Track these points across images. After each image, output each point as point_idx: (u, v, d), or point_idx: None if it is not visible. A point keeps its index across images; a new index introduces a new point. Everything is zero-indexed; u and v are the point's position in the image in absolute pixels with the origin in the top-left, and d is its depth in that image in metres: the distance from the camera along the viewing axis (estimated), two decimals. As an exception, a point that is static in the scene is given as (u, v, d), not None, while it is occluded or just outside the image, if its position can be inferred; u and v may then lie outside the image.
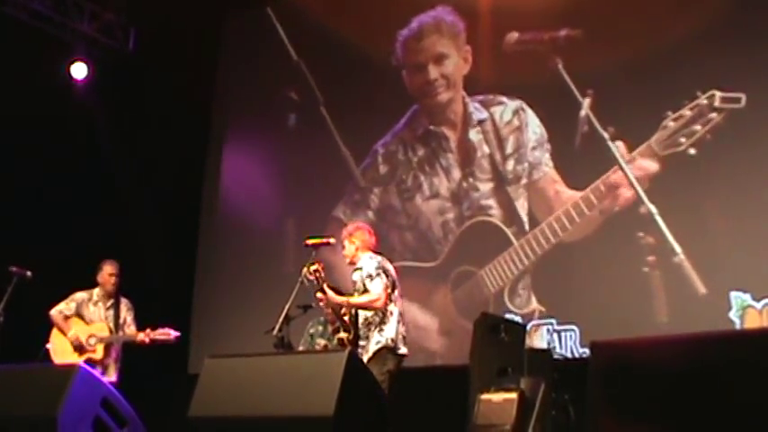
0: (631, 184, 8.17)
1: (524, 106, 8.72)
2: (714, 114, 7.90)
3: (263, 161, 11.60)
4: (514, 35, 8.80)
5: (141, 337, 8.38)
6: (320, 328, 8.55)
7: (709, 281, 8.13)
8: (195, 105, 11.83)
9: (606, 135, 8.37)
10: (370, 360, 6.97)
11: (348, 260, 7.42)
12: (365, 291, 7.13)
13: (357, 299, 7.15)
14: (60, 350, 8.45)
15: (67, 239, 10.69)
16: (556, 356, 8.27)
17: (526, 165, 8.45)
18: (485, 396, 7.00)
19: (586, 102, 8.42)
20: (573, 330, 8.69)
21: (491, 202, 8.59)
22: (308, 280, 7.39)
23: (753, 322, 7.78)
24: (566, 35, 8.57)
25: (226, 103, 12.07)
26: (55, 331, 8.57)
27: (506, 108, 8.77)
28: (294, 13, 11.04)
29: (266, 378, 4.85)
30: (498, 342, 7.50)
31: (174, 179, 11.43)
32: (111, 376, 8.49)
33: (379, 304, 7.04)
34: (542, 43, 8.64)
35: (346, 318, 7.24)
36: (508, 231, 8.46)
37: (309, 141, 10.47)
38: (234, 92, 12.04)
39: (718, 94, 7.93)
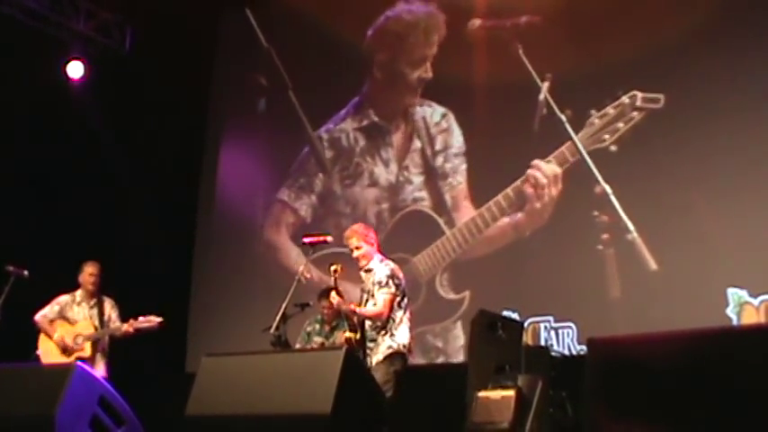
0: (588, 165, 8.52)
1: (449, 113, 9.07)
2: (635, 113, 8.23)
3: (260, 159, 11.60)
4: (477, 21, 8.99)
5: (125, 327, 8.41)
6: (317, 326, 8.56)
7: (705, 278, 8.14)
8: (191, 104, 11.83)
9: (564, 117, 8.61)
10: (379, 363, 6.98)
11: (365, 262, 7.29)
12: (372, 296, 7.13)
13: (363, 309, 7.14)
14: (49, 353, 8.47)
15: (64, 237, 10.68)
16: (553, 354, 8.28)
17: (450, 166, 8.84)
18: (482, 393, 7.00)
19: (545, 85, 8.64)
20: (570, 328, 8.70)
21: (423, 194, 8.93)
22: (305, 278, 7.40)
23: (750, 318, 7.79)
24: (526, 21, 8.80)
25: (222, 102, 12.08)
26: (42, 336, 8.59)
27: (435, 111, 9.13)
28: (272, 14, 11.17)
29: (263, 376, 4.84)
30: (495, 339, 7.50)
31: (170, 177, 11.42)
32: (101, 373, 8.50)
33: (383, 318, 7.03)
34: (504, 29, 8.85)
35: (354, 319, 7.22)
36: (440, 221, 8.79)
37: (280, 126, 10.61)
38: (230, 90, 12.05)
39: (639, 94, 8.27)
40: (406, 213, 8.78)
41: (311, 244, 7.51)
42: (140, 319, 8.40)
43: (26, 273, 8.07)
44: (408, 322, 7.16)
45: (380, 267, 7.18)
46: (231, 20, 12.25)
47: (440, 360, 8.97)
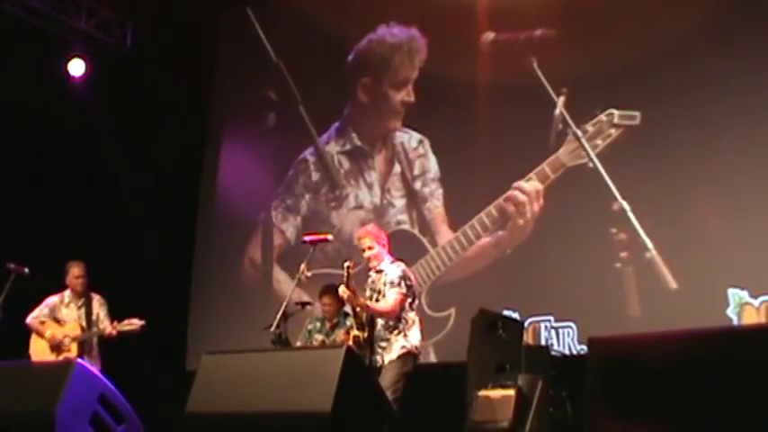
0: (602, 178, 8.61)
1: (425, 139, 9.26)
2: (612, 130, 8.41)
3: (260, 158, 11.60)
4: (491, 35, 9.06)
5: (108, 330, 8.47)
6: (318, 324, 8.55)
7: (706, 278, 8.14)
8: (192, 102, 11.83)
9: (580, 133, 8.68)
10: (392, 362, 6.97)
11: (376, 263, 7.25)
12: (383, 296, 7.09)
13: (374, 305, 7.09)
14: (41, 353, 8.51)
15: (65, 236, 10.67)
16: (553, 353, 8.29)
17: (428, 190, 9.11)
18: (483, 393, 7.01)
19: (561, 100, 8.73)
20: (570, 327, 8.70)
21: (405, 216, 9.21)
22: (306, 277, 7.39)
23: (750, 319, 7.79)
24: (541, 34, 8.86)
25: (223, 101, 12.08)
26: (34, 337, 8.64)
27: (412, 137, 9.33)
28: (273, 12, 11.19)
29: (264, 374, 4.84)
30: (496, 339, 7.51)
31: (170, 176, 11.42)
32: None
33: (391, 316, 7.00)
34: (518, 43, 8.93)
35: (363, 317, 7.19)
36: (424, 240, 9.04)
37: (289, 140, 10.66)
38: (231, 88, 12.04)
39: (616, 112, 8.42)
40: (390, 233, 8.51)
41: (312, 243, 7.49)
42: (124, 321, 8.45)
43: (27, 270, 8.08)
44: (419, 324, 7.14)
45: (392, 268, 7.15)
46: (232, 18, 12.25)
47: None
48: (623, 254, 8.61)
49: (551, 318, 8.83)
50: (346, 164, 9.55)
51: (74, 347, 8.48)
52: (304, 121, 10.26)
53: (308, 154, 10.01)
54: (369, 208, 9.34)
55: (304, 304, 8.31)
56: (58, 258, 10.04)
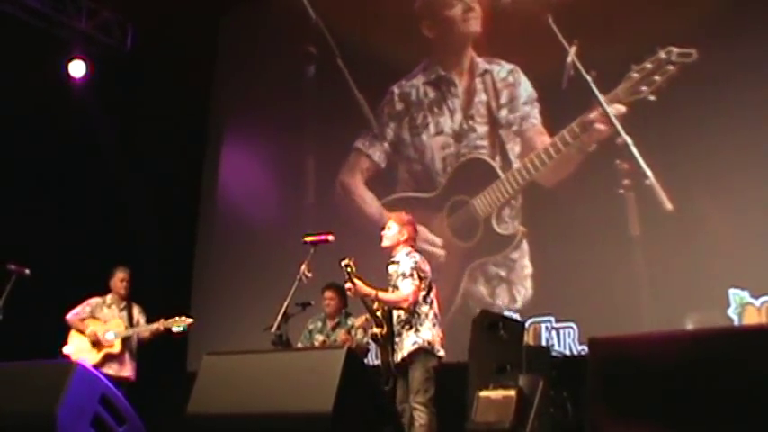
0: (610, 122, 8.84)
1: (518, 69, 9.57)
2: (671, 67, 8.55)
3: (261, 158, 11.61)
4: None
5: (155, 325, 8.58)
6: (319, 324, 8.55)
7: (707, 278, 8.14)
8: (192, 102, 11.84)
9: (589, 78, 8.97)
10: (405, 359, 6.90)
11: (388, 244, 7.21)
12: (396, 288, 7.02)
13: (385, 295, 7.02)
14: (79, 349, 8.58)
15: (65, 237, 10.68)
16: (554, 354, 8.29)
17: (517, 115, 9.40)
18: (483, 393, 7.02)
19: (573, 49, 9.05)
20: (571, 328, 8.71)
21: (485, 142, 9.53)
22: (306, 277, 7.37)
23: (751, 319, 7.79)
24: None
25: (224, 100, 12.10)
26: (73, 333, 8.71)
27: (503, 68, 9.65)
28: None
29: (265, 375, 4.84)
30: (497, 339, 7.52)
31: (171, 176, 11.43)
32: (129, 372, 8.66)
33: (404, 305, 6.91)
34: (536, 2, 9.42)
35: (379, 313, 7.12)
36: (497, 167, 9.40)
37: (328, 92, 11.03)
38: (232, 87, 12.07)
39: (674, 49, 8.54)
40: (465, 161, 9.48)
41: (313, 243, 7.48)
42: (170, 319, 8.58)
43: (28, 272, 8.08)
44: (434, 318, 7.01)
45: (406, 259, 7.05)
46: (232, 18, 12.27)
47: (502, 287, 9.28)
48: (631, 256, 8.64)
49: (552, 318, 8.84)
50: (431, 93, 9.93)
51: (117, 343, 8.58)
52: (342, 72, 10.69)
53: (395, 86, 10.35)
54: (449, 133, 9.70)
55: (305, 305, 8.30)
56: (58, 260, 10.07)
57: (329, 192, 10.73)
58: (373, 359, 8.46)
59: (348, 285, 6.94)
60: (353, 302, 7.94)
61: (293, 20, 11.56)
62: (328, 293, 8.37)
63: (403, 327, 6.95)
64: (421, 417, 6.73)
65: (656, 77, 8.60)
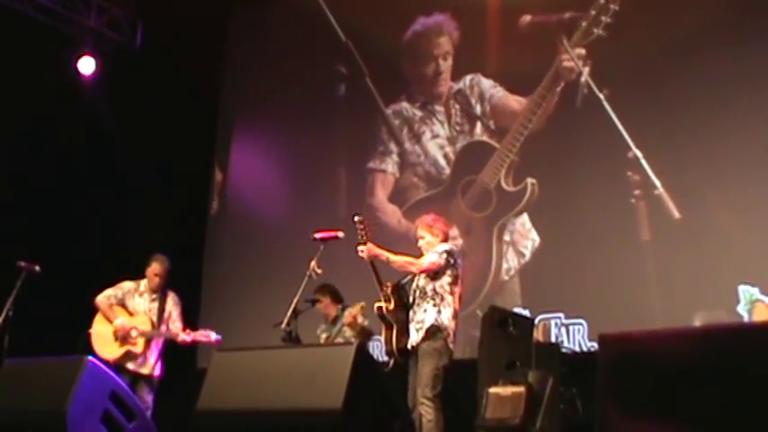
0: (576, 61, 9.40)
1: (478, 74, 10.24)
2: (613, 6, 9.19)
3: (271, 154, 11.62)
4: (527, 17, 9.93)
5: (183, 336, 8.46)
6: (323, 326, 8.58)
7: (717, 275, 8.13)
8: (203, 99, 11.85)
9: (602, 96, 9.16)
10: (423, 340, 6.94)
11: (426, 251, 7.24)
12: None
13: (397, 257, 7.08)
14: (103, 337, 8.44)
15: (75, 234, 10.70)
16: (564, 350, 8.28)
17: (486, 101, 10.12)
18: (493, 390, 7.00)
19: (586, 69, 9.30)
20: (581, 324, 8.70)
21: (474, 133, 10.14)
22: (316, 274, 7.38)
23: (761, 316, 7.77)
24: (570, 17, 9.60)
25: (233, 98, 12.09)
26: (99, 317, 8.55)
27: (465, 79, 10.34)
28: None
29: (275, 371, 4.84)
30: (506, 336, 7.50)
31: (180, 173, 11.43)
32: (154, 371, 8.56)
33: (414, 269, 7.01)
34: (550, 24, 9.70)
35: (389, 288, 7.13)
36: (492, 141, 9.97)
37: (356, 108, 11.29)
38: (242, 85, 12.07)
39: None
40: (462, 147, 10.15)
41: (322, 239, 7.49)
42: (199, 332, 8.53)
43: (38, 269, 8.09)
44: (455, 312, 7.07)
45: (442, 245, 7.17)
46: (242, 15, 12.27)
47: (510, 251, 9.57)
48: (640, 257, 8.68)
49: (562, 315, 8.84)
50: (418, 113, 10.59)
51: (140, 342, 8.41)
52: (371, 91, 10.98)
53: (387, 109, 10.86)
54: (444, 137, 10.30)
55: (314, 302, 8.31)
56: (69, 256, 10.08)
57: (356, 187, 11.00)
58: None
59: (361, 248, 6.96)
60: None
61: (303, 17, 11.56)
62: (317, 297, 8.36)
63: (425, 301, 6.99)
64: (428, 412, 6.75)
65: (602, 18, 9.21)
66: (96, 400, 5.38)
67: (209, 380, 5.03)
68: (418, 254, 7.26)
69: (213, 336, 8.51)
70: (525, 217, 9.48)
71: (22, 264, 8.02)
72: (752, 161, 8.16)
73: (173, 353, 9.14)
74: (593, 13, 9.30)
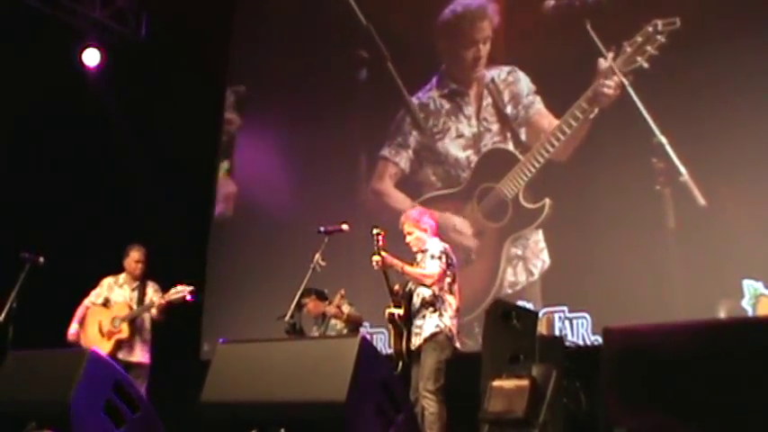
0: (618, 87, 9.20)
1: (516, 69, 10.06)
2: (659, 37, 8.95)
3: (275, 146, 11.61)
4: (551, 2, 9.92)
5: (156, 299, 8.44)
6: (314, 327, 8.59)
7: (721, 269, 8.12)
8: (208, 90, 11.84)
9: (626, 81, 9.09)
10: (425, 342, 6.98)
11: (420, 246, 7.30)
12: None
13: (412, 269, 7.11)
14: (91, 337, 8.49)
15: (80, 226, 10.70)
16: (567, 344, 8.28)
17: (521, 107, 9.92)
18: (497, 383, 7.00)
19: (610, 55, 9.23)
20: (584, 318, 8.70)
21: (499, 137, 10.03)
22: (320, 266, 7.38)
23: (765, 310, 7.76)
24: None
25: (239, 89, 12.09)
26: (87, 320, 8.62)
27: (501, 70, 10.19)
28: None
29: (278, 363, 4.84)
30: (510, 329, 7.50)
31: (186, 166, 11.43)
32: (143, 358, 8.57)
33: (429, 282, 7.02)
34: (573, 7, 9.71)
35: (397, 290, 7.15)
36: (516, 152, 9.84)
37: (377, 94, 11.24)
38: (248, 77, 12.06)
39: (659, 21, 8.94)
40: (486, 152, 10.01)
41: (327, 232, 7.49)
42: (170, 290, 8.42)
43: (41, 260, 8.10)
44: (456, 310, 7.15)
45: (435, 244, 7.19)
46: (247, 5, 12.26)
47: (519, 265, 9.50)
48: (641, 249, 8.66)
49: (565, 308, 8.84)
50: (446, 105, 10.47)
51: (125, 327, 8.44)
52: (393, 76, 10.93)
53: (413, 98, 10.80)
54: (468, 136, 10.19)
55: (301, 307, 8.30)
56: (72, 247, 10.08)
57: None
58: (386, 348, 8.48)
59: (376, 258, 6.97)
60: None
61: (308, 8, 11.55)
62: (307, 300, 8.36)
63: (426, 308, 7.01)
64: (431, 405, 6.78)
65: (648, 48, 8.96)
66: (100, 391, 5.39)
67: (213, 371, 5.02)
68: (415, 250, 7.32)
69: (186, 290, 8.39)
70: (540, 235, 9.34)
71: (26, 255, 8.02)
72: (758, 154, 8.12)
73: (176, 345, 9.16)
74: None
